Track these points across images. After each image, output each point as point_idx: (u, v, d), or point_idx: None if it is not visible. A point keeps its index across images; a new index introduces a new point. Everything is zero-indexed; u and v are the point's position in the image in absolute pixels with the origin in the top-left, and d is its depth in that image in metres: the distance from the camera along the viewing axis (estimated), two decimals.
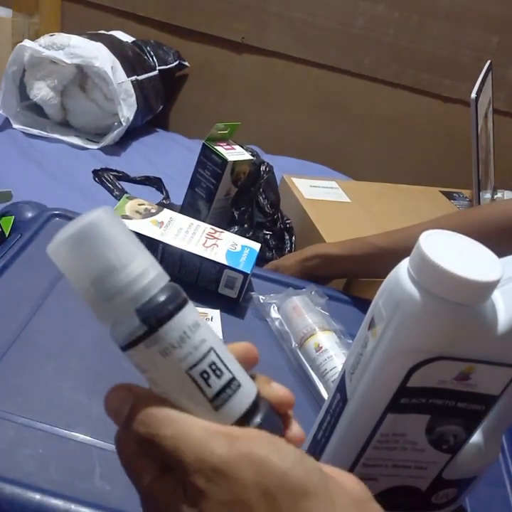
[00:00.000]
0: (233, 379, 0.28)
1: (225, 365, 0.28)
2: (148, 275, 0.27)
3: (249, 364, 0.30)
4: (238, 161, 0.92)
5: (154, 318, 0.26)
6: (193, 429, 0.26)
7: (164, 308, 0.26)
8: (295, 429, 0.30)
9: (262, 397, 0.29)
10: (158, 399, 0.27)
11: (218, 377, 0.27)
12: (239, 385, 0.28)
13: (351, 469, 0.42)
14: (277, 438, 0.27)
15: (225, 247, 0.69)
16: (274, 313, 0.67)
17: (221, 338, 0.60)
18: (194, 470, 0.25)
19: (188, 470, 0.25)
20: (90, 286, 0.26)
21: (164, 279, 0.28)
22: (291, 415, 0.30)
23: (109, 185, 1.28)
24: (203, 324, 0.28)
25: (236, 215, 0.96)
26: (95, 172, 1.30)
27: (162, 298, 0.27)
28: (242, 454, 0.25)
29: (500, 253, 0.37)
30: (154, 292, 0.27)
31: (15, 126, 1.40)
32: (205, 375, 0.27)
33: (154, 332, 0.26)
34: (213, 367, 0.27)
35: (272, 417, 0.29)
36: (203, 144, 0.94)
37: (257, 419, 0.28)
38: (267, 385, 0.30)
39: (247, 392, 0.28)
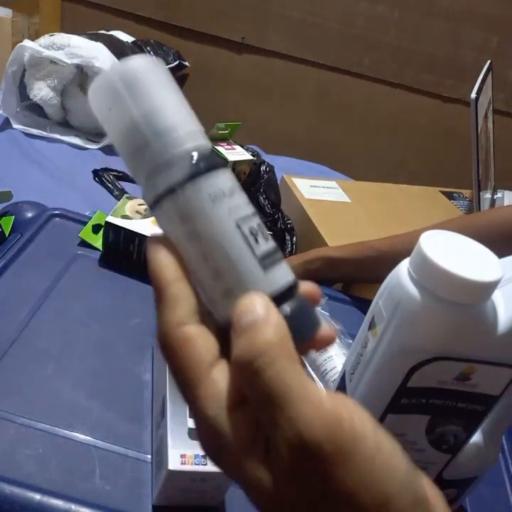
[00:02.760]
0: (278, 249, 0.26)
1: (270, 236, 0.26)
2: (198, 125, 0.26)
3: (313, 301, 0.27)
4: (239, 161, 0.93)
5: (209, 160, 0.24)
6: (303, 388, 0.22)
7: (217, 157, 0.25)
8: (324, 325, 0.27)
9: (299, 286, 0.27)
10: (282, 330, 0.23)
11: (265, 239, 0.25)
12: (282, 258, 0.26)
13: None
14: (388, 439, 0.23)
15: None
16: None
17: None
18: (286, 436, 0.21)
19: (278, 435, 0.22)
20: (143, 121, 0.24)
21: (207, 139, 0.26)
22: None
23: (109, 185, 1.28)
24: (246, 195, 0.26)
25: None
26: (95, 172, 1.31)
27: (211, 149, 0.25)
28: (343, 456, 0.21)
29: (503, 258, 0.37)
30: (204, 141, 0.25)
31: (15, 126, 1.40)
32: (254, 232, 0.25)
33: (208, 172, 0.24)
34: (261, 228, 0.25)
35: (307, 311, 0.26)
36: None
37: (300, 298, 0.25)
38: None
39: (288, 270, 0.26)
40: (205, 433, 0.24)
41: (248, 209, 0.25)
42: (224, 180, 0.25)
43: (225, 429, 0.23)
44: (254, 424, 0.23)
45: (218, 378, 0.23)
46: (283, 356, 0.22)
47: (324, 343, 0.27)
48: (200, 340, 0.24)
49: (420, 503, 0.22)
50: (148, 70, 0.25)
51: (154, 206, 0.25)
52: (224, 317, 0.25)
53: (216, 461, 0.24)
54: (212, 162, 0.24)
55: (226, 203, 0.24)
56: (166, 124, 0.24)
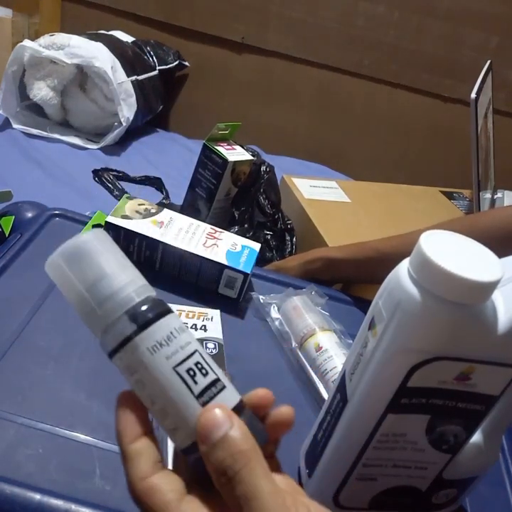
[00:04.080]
0: (218, 379, 0.29)
1: (210, 367, 0.29)
2: (137, 283, 0.30)
3: (265, 407, 0.31)
4: (239, 161, 0.93)
5: (142, 318, 0.29)
6: (266, 487, 0.27)
7: (152, 310, 0.29)
8: (283, 408, 0.31)
9: (246, 407, 0.30)
10: (249, 435, 0.28)
11: (204, 375, 0.29)
12: (224, 386, 0.29)
13: (351, 469, 0.42)
14: None
15: (225, 247, 0.69)
16: (274, 313, 0.67)
17: (221, 337, 0.60)
18: None
19: None
20: (85, 293, 0.29)
21: (150, 290, 0.30)
22: (269, 409, 0.32)
23: (109, 185, 1.28)
24: (188, 331, 0.30)
25: (236, 215, 0.96)
26: (95, 172, 1.31)
27: (149, 302, 0.29)
28: None
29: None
30: (142, 298, 0.29)
31: (15, 126, 1.40)
32: (192, 372, 0.29)
33: (142, 330, 0.28)
34: (199, 366, 0.29)
35: (256, 423, 0.30)
36: (204, 144, 0.94)
37: (247, 413, 0.29)
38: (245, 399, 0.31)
39: (231, 394, 0.30)
40: None
41: (187, 350, 0.29)
42: (161, 330, 0.29)
43: None
44: None
45: (186, 509, 0.27)
46: (257, 466, 0.27)
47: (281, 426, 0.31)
48: (164, 487, 0.27)
49: None
50: (86, 247, 0.29)
51: (110, 358, 0.30)
52: (177, 447, 0.29)
53: None
54: (148, 318, 0.29)
55: (163, 352, 0.28)
56: (106, 293, 0.29)
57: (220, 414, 0.28)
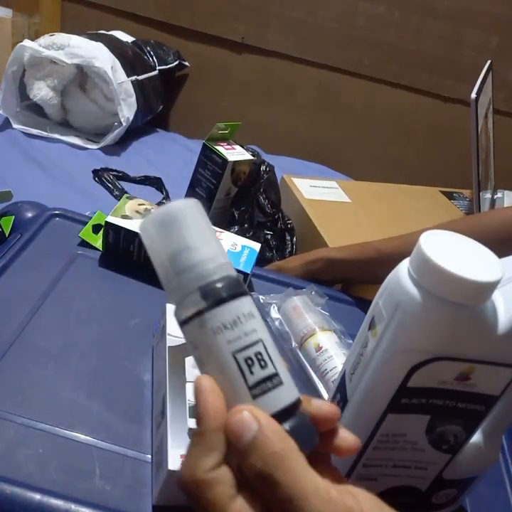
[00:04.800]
0: (276, 374, 0.29)
1: (271, 360, 0.29)
2: (217, 260, 0.30)
3: (328, 422, 0.30)
4: (238, 160, 0.93)
5: (213, 297, 0.29)
6: (307, 485, 0.26)
7: (223, 291, 0.29)
8: (346, 434, 0.30)
9: (304, 409, 0.30)
10: (281, 434, 0.27)
11: (262, 367, 0.29)
12: (281, 383, 0.29)
13: (351, 469, 0.42)
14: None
15: (225, 246, 0.69)
16: (274, 314, 0.67)
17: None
18: None
19: None
20: (166, 262, 0.29)
21: (231, 270, 0.30)
22: (337, 427, 0.31)
23: (109, 185, 1.28)
24: (258, 318, 0.30)
25: (236, 215, 0.96)
26: (95, 172, 1.31)
27: (224, 282, 0.29)
28: None
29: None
30: (219, 276, 0.29)
31: (15, 126, 1.40)
32: (250, 362, 0.28)
33: (211, 310, 0.28)
34: (259, 356, 0.29)
35: (307, 428, 0.29)
36: (204, 143, 0.94)
37: (290, 423, 0.28)
38: (308, 403, 0.30)
39: (287, 392, 0.29)
40: None
41: (250, 338, 0.29)
42: (228, 313, 0.29)
43: None
44: None
45: (239, 508, 0.26)
46: (294, 464, 0.26)
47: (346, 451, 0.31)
48: (225, 480, 0.27)
49: None
50: (176, 215, 0.30)
51: (180, 328, 0.30)
52: None
53: None
54: (218, 298, 0.29)
55: (226, 335, 0.28)
56: (185, 265, 0.29)
57: (248, 417, 0.27)
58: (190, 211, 0.30)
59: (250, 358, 0.28)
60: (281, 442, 0.27)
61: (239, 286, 0.30)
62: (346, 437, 0.30)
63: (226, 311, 0.29)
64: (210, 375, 0.29)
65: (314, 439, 0.29)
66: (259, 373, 0.28)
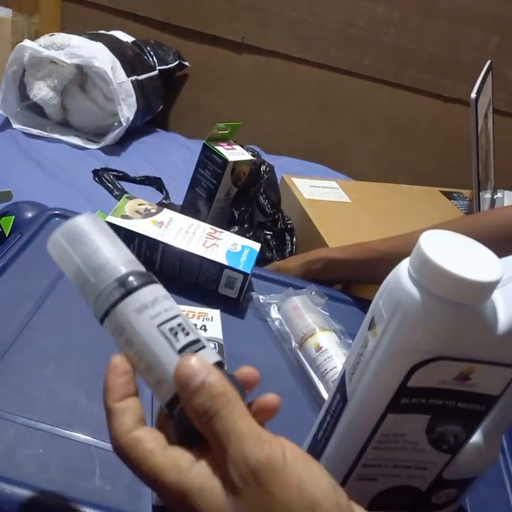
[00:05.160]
0: (198, 340, 0.33)
1: (191, 329, 0.33)
2: (127, 258, 0.34)
3: (250, 383, 0.34)
4: (239, 161, 0.93)
5: (131, 283, 0.33)
6: (243, 424, 0.29)
7: (139, 278, 0.33)
8: (268, 396, 0.33)
9: (224, 368, 0.33)
10: (225, 381, 0.30)
11: (185, 334, 0.32)
12: (204, 346, 0.33)
13: (351, 469, 0.42)
14: (313, 462, 0.29)
15: (225, 247, 0.69)
16: (274, 314, 0.67)
17: (221, 337, 0.60)
18: (234, 464, 0.28)
19: (228, 461, 0.28)
20: (81, 265, 0.33)
21: (139, 266, 0.34)
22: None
23: (109, 185, 1.28)
24: (172, 300, 0.34)
25: (236, 215, 0.96)
26: (95, 172, 1.31)
27: (137, 273, 0.33)
28: (279, 471, 0.28)
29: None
30: (131, 269, 0.33)
31: (15, 126, 1.40)
32: (174, 332, 0.32)
33: (131, 294, 0.32)
34: (181, 326, 0.32)
35: (236, 380, 0.33)
36: (204, 144, 0.94)
37: (224, 374, 0.31)
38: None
39: (211, 354, 0.33)
40: (171, 501, 0.29)
41: (170, 313, 0.33)
42: (147, 294, 0.33)
43: (185, 486, 0.28)
44: (214, 468, 0.29)
45: (172, 453, 0.29)
46: (235, 404, 0.29)
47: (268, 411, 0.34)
48: (148, 436, 0.30)
49: (344, 508, 0.29)
50: (81, 226, 0.34)
51: (101, 324, 0.33)
52: (162, 401, 0.32)
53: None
54: (136, 283, 0.33)
55: (148, 313, 0.32)
56: (99, 263, 0.33)
57: (197, 363, 0.30)
58: (94, 221, 0.34)
59: (173, 328, 0.32)
60: (226, 386, 0.30)
61: (150, 276, 0.34)
62: (265, 396, 0.33)
63: (144, 294, 0.32)
64: (139, 351, 0.32)
65: (245, 392, 0.33)
66: (183, 339, 0.32)
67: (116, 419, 0.30)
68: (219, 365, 0.33)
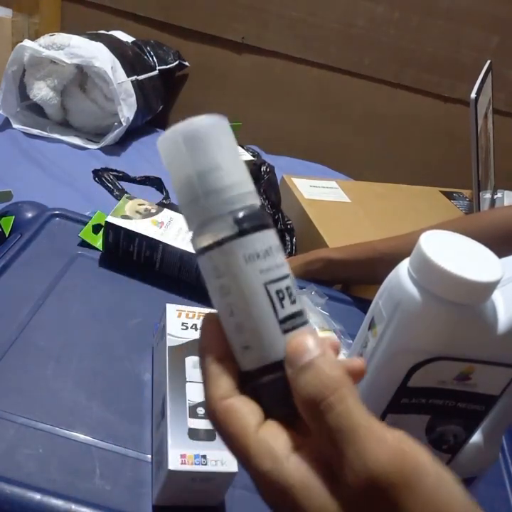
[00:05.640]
0: (303, 312, 0.28)
1: (298, 297, 0.28)
2: (248, 187, 0.27)
3: (357, 375, 0.29)
4: None
5: (250, 222, 0.27)
6: (361, 419, 0.24)
7: (257, 219, 0.27)
8: (355, 360, 0.29)
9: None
10: (339, 364, 0.25)
11: (292, 302, 0.27)
12: (306, 321, 0.28)
13: None
14: (446, 472, 0.24)
15: None
16: None
17: None
18: (354, 472, 0.23)
19: (345, 465, 0.23)
20: (195, 178, 0.27)
21: (257, 199, 0.28)
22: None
23: (109, 185, 1.28)
24: (283, 254, 0.28)
25: None
26: (95, 172, 1.31)
27: (255, 210, 0.27)
28: (414, 488, 0.23)
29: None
30: (250, 203, 0.27)
31: (15, 126, 1.40)
32: (281, 295, 0.27)
33: (245, 235, 0.26)
34: (289, 291, 0.27)
35: None
36: None
37: None
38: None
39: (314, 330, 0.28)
40: (265, 490, 0.25)
41: (281, 271, 0.27)
42: (261, 242, 0.27)
43: (283, 479, 0.24)
44: (315, 462, 0.24)
45: (266, 437, 0.25)
46: (350, 394, 0.24)
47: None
48: (243, 409, 0.26)
49: None
50: (209, 132, 0.27)
51: (198, 255, 0.27)
52: (243, 367, 0.27)
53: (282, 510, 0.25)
54: (252, 225, 0.27)
55: (258, 264, 0.26)
56: (216, 185, 0.26)
57: (312, 341, 0.26)
58: (221, 129, 0.28)
59: (281, 292, 0.27)
60: (340, 371, 0.25)
61: (267, 217, 0.28)
62: (352, 361, 0.29)
63: (259, 240, 0.27)
64: (234, 305, 0.27)
65: None
66: (289, 308, 0.27)
67: (214, 382, 0.26)
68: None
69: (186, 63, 1.72)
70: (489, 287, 0.34)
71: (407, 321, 0.36)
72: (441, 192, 1.31)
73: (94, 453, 0.46)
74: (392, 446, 0.23)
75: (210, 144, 0.27)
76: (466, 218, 0.93)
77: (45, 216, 0.71)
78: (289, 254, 0.97)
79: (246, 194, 0.27)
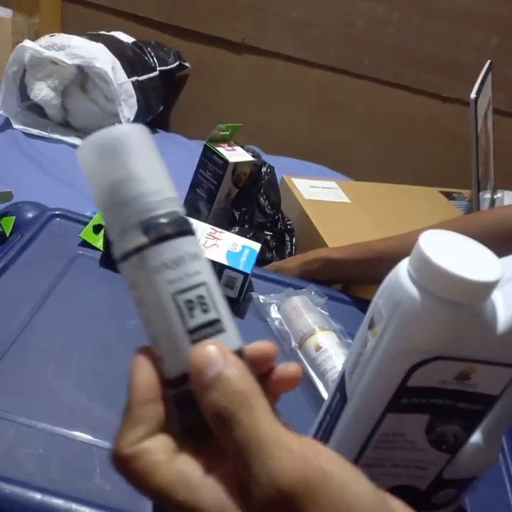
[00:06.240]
0: (218, 320, 0.27)
1: (215, 305, 0.27)
2: (162, 194, 0.27)
3: (268, 360, 0.29)
4: (239, 162, 0.93)
5: (155, 232, 0.26)
6: (268, 431, 0.24)
7: (167, 227, 0.26)
8: (285, 365, 0.29)
9: (246, 357, 0.28)
10: (248, 374, 0.25)
11: (203, 311, 0.27)
12: (223, 329, 0.27)
13: None
14: (351, 470, 0.24)
15: (225, 247, 0.69)
16: (274, 313, 0.67)
17: None
18: (259, 485, 0.23)
19: (251, 480, 0.23)
20: (107, 190, 0.27)
21: (178, 206, 0.28)
22: (274, 365, 0.29)
23: None
24: (204, 261, 0.28)
25: (237, 216, 0.96)
26: None
27: (168, 218, 0.27)
28: (319, 494, 0.23)
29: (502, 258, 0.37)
30: (164, 211, 0.27)
31: (15, 126, 1.40)
32: (190, 305, 0.26)
33: (152, 246, 0.26)
34: (201, 300, 0.27)
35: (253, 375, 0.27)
36: (205, 144, 0.94)
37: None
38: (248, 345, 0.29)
39: (229, 340, 0.27)
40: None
41: (193, 280, 0.26)
42: (171, 251, 0.26)
43: (199, 506, 0.24)
44: (229, 483, 0.24)
45: (179, 466, 0.25)
46: (257, 405, 0.24)
47: (288, 382, 0.29)
48: (157, 446, 0.25)
49: None
50: (120, 141, 0.27)
51: (117, 264, 0.27)
52: (165, 376, 0.27)
53: None
54: (160, 234, 0.26)
55: (167, 274, 0.26)
56: (128, 195, 0.26)
57: (214, 352, 0.25)
58: (135, 137, 0.27)
59: (191, 301, 0.26)
60: (248, 382, 0.25)
61: (185, 224, 0.27)
62: (287, 366, 0.29)
63: (169, 249, 0.26)
64: (148, 316, 0.27)
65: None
66: (200, 318, 0.26)
67: (128, 427, 0.26)
68: (239, 353, 0.27)
69: (186, 64, 1.72)
70: (489, 287, 0.34)
71: (406, 320, 0.36)
72: (441, 192, 1.31)
73: (94, 453, 0.46)
74: (297, 456, 0.23)
75: (120, 153, 0.26)
76: (466, 218, 0.93)
77: (46, 216, 0.71)
78: (289, 255, 0.97)
79: (161, 201, 0.27)
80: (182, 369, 0.26)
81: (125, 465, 0.25)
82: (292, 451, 0.23)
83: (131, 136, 0.27)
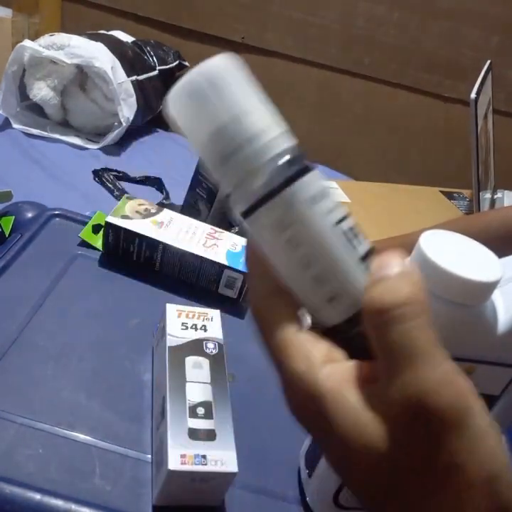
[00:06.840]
0: (374, 249, 0.25)
1: (363, 235, 0.25)
2: (283, 126, 0.24)
3: None
4: None
5: (300, 164, 0.23)
6: (436, 351, 0.22)
7: (305, 159, 0.24)
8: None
9: None
10: (423, 285, 0.23)
11: (361, 240, 0.24)
12: None
13: None
14: (494, 424, 0.22)
15: (225, 247, 0.69)
16: None
17: (221, 338, 0.60)
18: (407, 395, 0.21)
19: (401, 385, 0.21)
20: (227, 128, 0.23)
21: (294, 140, 0.25)
22: None
23: (109, 185, 1.28)
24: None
25: None
26: (95, 172, 1.31)
27: (299, 151, 0.24)
28: (459, 429, 0.21)
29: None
30: (290, 145, 0.24)
31: (15, 126, 1.40)
32: (354, 232, 0.24)
33: (303, 176, 0.23)
34: (356, 228, 0.24)
35: None
36: None
37: None
38: None
39: None
40: (292, 395, 0.23)
41: (344, 208, 0.24)
42: (317, 182, 0.24)
43: (313, 385, 0.22)
44: (351, 376, 0.22)
45: (305, 341, 0.23)
46: (423, 314, 0.22)
47: None
48: (279, 304, 0.24)
49: None
50: (233, 70, 0.23)
51: (247, 215, 0.24)
52: (331, 323, 0.24)
53: (309, 427, 0.24)
54: (302, 166, 0.23)
55: (323, 205, 0.23)
56: (256, 129, 0.23)
57: (398, 258, 0.23)
58: (234, 69, 0.24)
59: (351, 228, 0.24)
60: (422, 290, 0.23)
61: (306, 157, 0.24)
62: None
63: (315, 178, 0.23)
64: (309, 256, 0.23)
65: None
66: (364, 244, 0.24)
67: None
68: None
69: (186, 63, 1.72)
70: (489, 287, 0.34)
71: None
72: (441, 192, 1.31)
73: (94, 453, 0.46)
74: (455, 382, 0.22)
75: (238, 84, 0.23)
76: (466, 218, 0.93)
77: (45, 216, 0.71)
78: None
79: (285, 133, 0.24)
80: (356, 306, 0.23)
81: (260, 312, 0.25)
82: (452, 376, 0.22)
83: (229, 68, 0.24)
